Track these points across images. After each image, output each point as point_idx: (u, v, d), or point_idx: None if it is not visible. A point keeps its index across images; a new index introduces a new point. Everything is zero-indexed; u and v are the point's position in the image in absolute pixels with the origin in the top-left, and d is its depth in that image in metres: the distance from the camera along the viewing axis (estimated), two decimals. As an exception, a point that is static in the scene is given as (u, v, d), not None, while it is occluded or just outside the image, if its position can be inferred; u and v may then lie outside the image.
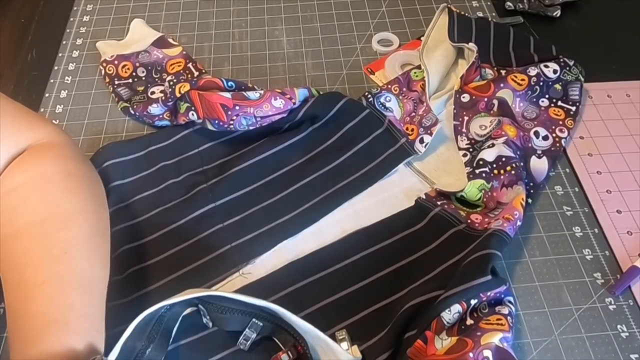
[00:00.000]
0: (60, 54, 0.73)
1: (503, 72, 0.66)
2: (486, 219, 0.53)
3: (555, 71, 0.64)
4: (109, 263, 0.47)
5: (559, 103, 0.64)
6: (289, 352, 0.45)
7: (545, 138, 0.61)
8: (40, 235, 0.43)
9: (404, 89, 0.65)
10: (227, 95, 0.59)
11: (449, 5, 0.71)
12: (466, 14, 0.72)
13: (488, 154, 0.56)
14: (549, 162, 0.59)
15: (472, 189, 0.55)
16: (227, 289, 0.51)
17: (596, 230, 0.55)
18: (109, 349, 0.42)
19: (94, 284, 0.44)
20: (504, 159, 0.56)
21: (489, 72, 0.66)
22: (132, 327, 0.42)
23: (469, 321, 0.46)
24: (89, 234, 0.45)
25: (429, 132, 0.59)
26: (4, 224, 0.44)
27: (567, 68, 0.64)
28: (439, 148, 0.61)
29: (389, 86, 0.65)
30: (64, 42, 0.75)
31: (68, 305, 0.41)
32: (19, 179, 0.46)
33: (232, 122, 0.59)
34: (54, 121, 0.65)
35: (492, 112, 0.62)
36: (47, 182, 0.46)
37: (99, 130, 0.65)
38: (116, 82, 0.68)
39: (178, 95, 0.60)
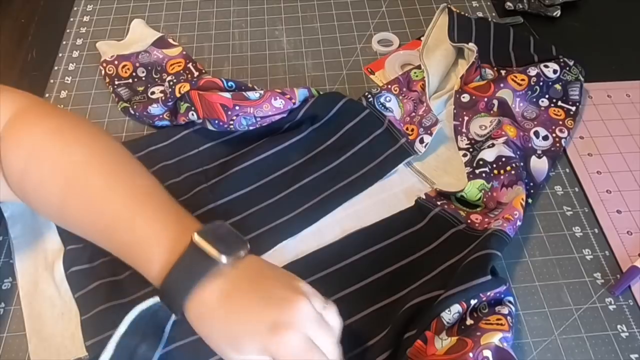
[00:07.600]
0: (60, 54, 0.73)
1: (503, 72, 0.66)
2: (486, 219, 0.53)
3: (555, 71, 0.64)
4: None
5: (559, 103, 0.64)
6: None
7: (545, 138, 0.61)
8: (79, 186, 0.44)
9: (404, 89, 0.64)
10: (227, 95, 0.59)
11: (449, 5, 0.71)
12: (466, 14, 0.72)
13: (488, 154, 0.56)
14: (549, 162, 0.59)
15: (472, 189, 0.55)
16: (227, 289, 0.51)
17: (596, 230, 0.55)
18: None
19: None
20: (504, 159, 0.56)
21: (489, 72, 0.66)
22: (127, 323, 0.41)
23: (469, 321, 0.46)
24: (116, 158, 0.47)
25: (429, 132, 0.59)
26: (46, 196, 0.45)
27: (567, 68, 0.64)
28: (439, 148, 0.61)
29: (389, 86, 0.65)
30: (64, 42, 0.75)
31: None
32: (19, 158, 0.45)
33: (232, 122, 0.59)
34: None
35: (492, 112, 0.62)
36: (45, 148, 0.46)
37: (99, 131, 0.65)
38: (116, 82, 0.68)
39: (178, 95, 0.60)
